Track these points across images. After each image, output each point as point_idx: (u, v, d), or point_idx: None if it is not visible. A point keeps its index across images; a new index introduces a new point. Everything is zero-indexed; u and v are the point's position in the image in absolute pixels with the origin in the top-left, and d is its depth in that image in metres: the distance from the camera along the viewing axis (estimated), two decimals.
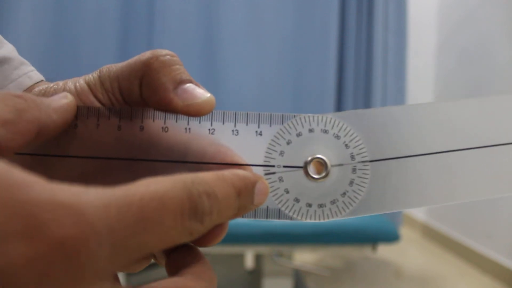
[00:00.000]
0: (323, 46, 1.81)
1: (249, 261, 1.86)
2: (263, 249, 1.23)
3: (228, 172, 0.19)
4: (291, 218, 0.23)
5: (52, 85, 0.26)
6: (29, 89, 0.27)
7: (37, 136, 0.19)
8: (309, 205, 0.23)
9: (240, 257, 1.87)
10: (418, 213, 2.71)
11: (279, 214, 0.23)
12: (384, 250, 1.96)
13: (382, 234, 1.30)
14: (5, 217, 0.13)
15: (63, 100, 0.22)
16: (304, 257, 1.93)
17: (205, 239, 0.20)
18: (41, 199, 0.13)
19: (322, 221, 0.23)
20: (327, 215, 0.23)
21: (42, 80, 0.29)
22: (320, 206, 0.23)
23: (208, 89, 0.23)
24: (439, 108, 0.24)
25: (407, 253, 2.26)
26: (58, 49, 1.64)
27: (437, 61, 2.59)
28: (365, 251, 1.30)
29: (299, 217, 0.23)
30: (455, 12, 2.40)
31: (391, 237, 1.30)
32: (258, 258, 1.69)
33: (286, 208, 0.23)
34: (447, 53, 2.49)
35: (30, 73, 0.28)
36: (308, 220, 0.23)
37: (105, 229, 0.14)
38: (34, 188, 0.13)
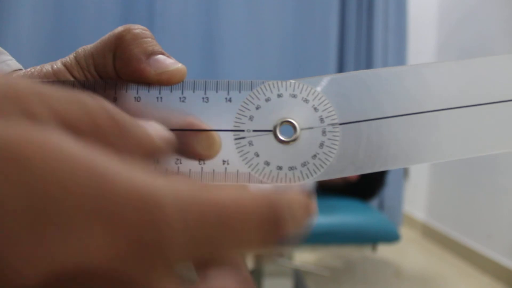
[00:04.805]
0: (323, 46, 1.82)
1: (249, 261, 1.85)
2: (263, 249, 1.23)
3: None
4: (261, 182, 0.23)
5: (29, 69, 0.27)
6: None
7: None
8: (280, 168, 0.23)
9: None
10: (418, 213, 2.71)
11: (249, 178, 0.23)
12: (384, 250, 1.95)
13: (382, 234, 1.30)
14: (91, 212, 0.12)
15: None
16: (304, 257, 1.93)
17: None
18: (122, 191, 0.12)
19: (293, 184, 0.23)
20: (298, 177, 0.23)
21: (20, 69, 0.29)
22: (291, 168, 0.23)
23: None
24: (413, 71, 0.24)
25: (407, 253, 2.25)
26: (58, 49, 1.65)
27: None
28: (365, 251, 1.30)
29: (269, 180, 0.23)
30: (455, 11, 2.40)
31: (391, 237, 1.30)
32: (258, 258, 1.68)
33: (256, 172, 0.23)
34: (447, 53, 2.49)
35: (8, 62, 0.28)
36: (278, 183, 0.23)
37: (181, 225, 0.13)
38: (116, 179, 0.12)
